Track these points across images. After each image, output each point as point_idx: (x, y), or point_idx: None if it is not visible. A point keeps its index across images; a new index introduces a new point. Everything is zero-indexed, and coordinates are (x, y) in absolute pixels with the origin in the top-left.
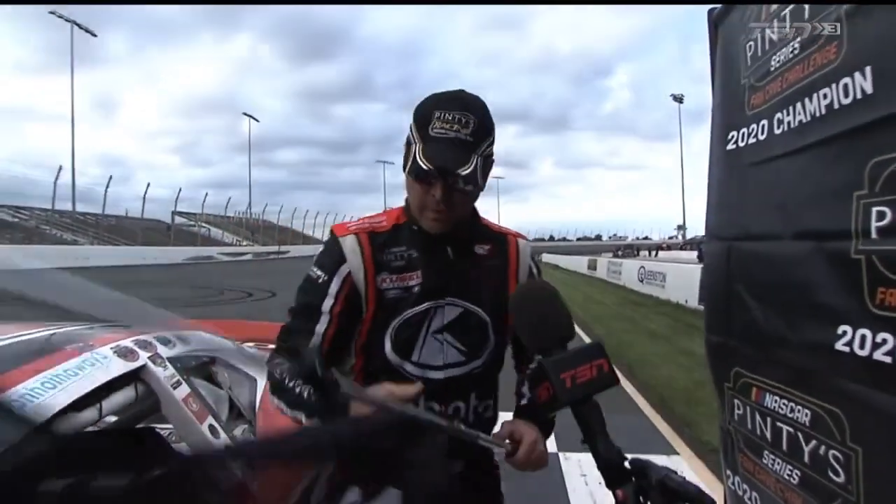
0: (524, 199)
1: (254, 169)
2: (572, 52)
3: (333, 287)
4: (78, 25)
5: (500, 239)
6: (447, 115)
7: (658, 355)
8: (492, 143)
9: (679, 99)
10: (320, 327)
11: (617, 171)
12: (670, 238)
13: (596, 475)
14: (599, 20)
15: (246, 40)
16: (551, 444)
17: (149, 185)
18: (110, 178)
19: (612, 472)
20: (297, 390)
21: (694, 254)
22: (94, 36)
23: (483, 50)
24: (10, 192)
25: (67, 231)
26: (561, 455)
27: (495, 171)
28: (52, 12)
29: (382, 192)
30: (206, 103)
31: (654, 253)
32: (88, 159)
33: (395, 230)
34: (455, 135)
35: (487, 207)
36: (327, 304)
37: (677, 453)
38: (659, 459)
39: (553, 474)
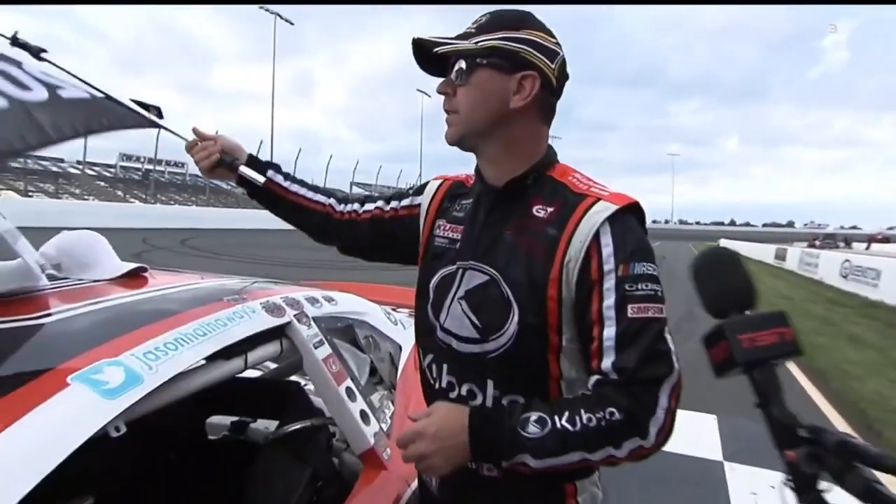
0: (703, 180)
1: (425, 143)
2: (772, 9)
3: (404, 201)
4: (280, 16)
5: (573, 202)
6: None
7: (862, 365)
8: (509, 39)
9: None
10: (370, 203)
11: (819, 148)
12: (889, 228)
13: (768, 495)
14: None
15: (422, 18)
16: (717, 453)
17: (331, 157)
18: (299, 150)
19: (785, 436)
20: None
21: None
22: (292, 24)
23: (662, 13)
24: None
25: None
26: (727, 465)
27: (670, 147)
28: (261, 6)
29: None
30: (383, 82)
31: (866, 245)
32: (286, 134)
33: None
34: (465, 31)
35: (656, 185)
36: (390, 199)
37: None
38: None
39: (716, 488)
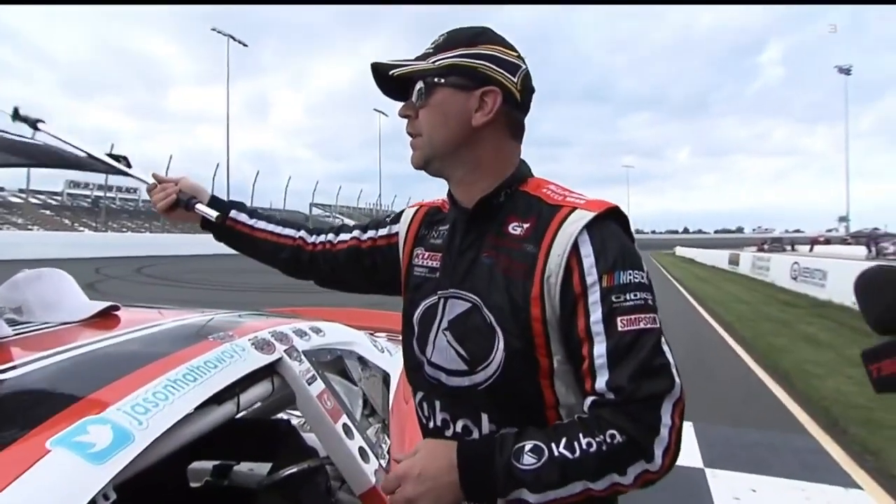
0: (657, 190)
1: (386, 162)
2: (714, 30)
3: (381, 230)
4: (233, 38)
5: (549, 214)
6: None
7: (821, 364)
8: (467, 55)
9: (846, 71)
10: (345, 234)
11: (763, 158)
12: (828, 231)
13: (751, 499)
14: None
15: (381, 41)
16: (696, 460)
17: (290, 178)
18: (257, 172)
19: None
20: None
21: (859, 249)
22: (245, 46)
23: (614, 34)
24: None
25: None
26: (708, 472)
27: (624, 160)
28: (213, 29)
29: None
30: (342, 102)
31: (809, 248)
32: (244, 156)
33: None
34: (423, 52)
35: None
36: (367, 229)
37: (859, 487)
38: (836, 492)
39: (699, 495)
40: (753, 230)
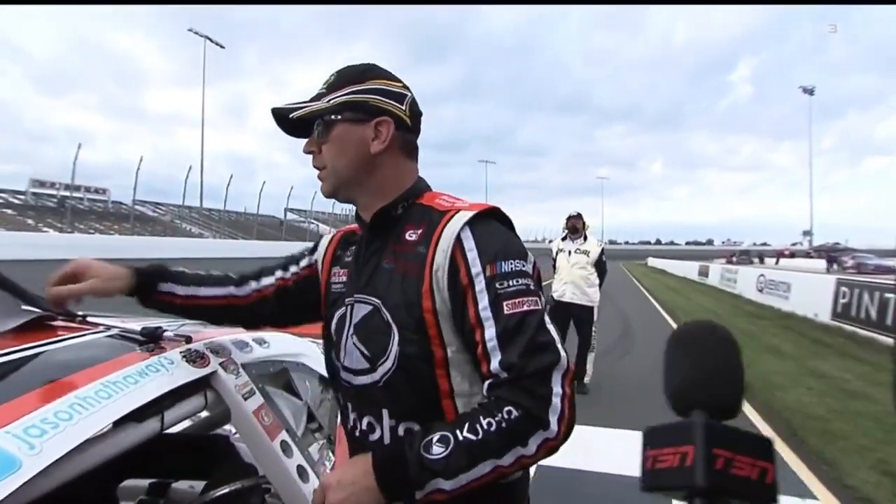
0: (631, 201)
1: None
2: (688, 47)
3: (303, 262)
4: (210, 39)
5: (437, 218)
6: None
7: (783, 375)
8: (357, 92)
9: (810, 91)
10: (267, 277)
11: (732, 172)
12: (793, 244)
13: None
14: (722, 11)
15: (362, 46)
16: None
17: (264, 182)
18: (231, 176)
19: None
20: None
21: (821, 263)
22: (223, 48)
23: (593, 47)
24: (156, 190)
25: (195, 225)
26: None
27: (599, 171)
28: (189, 29)
29: (485, 191)
30: None
31: (775, 260)
32: (220, 158)
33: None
34: (318, 93)
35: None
36: (288, 266)
37: (815, 497)
38: (792, 503)
39: None
40: (723, 242)
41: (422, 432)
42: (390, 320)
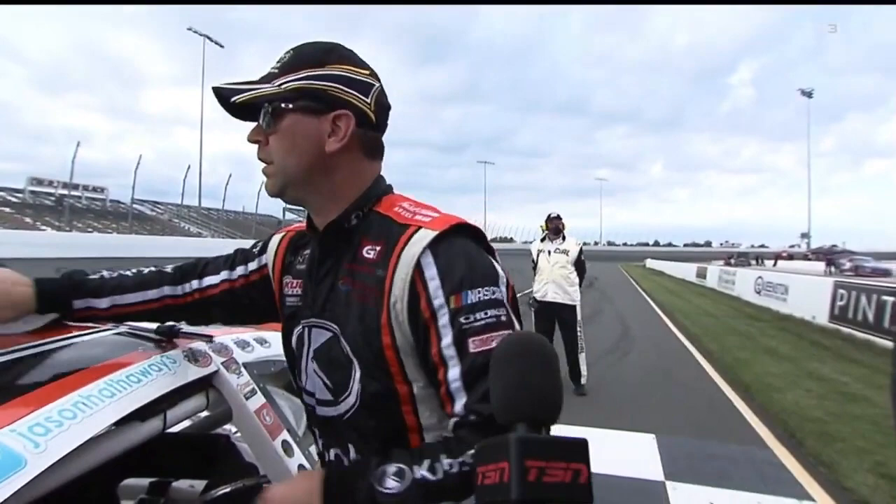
0: (630, 203)
1: None
2: (689, 50)
3: (251, 264)
4: (209, 38)
5: (397, 235)
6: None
7: (780, 377)
8: (317, 77)
9: (808, 94)
10: (212, 276)
11: (732, 174)
12: (791, 247)
13: None
14: (722, 14)
15: (361, 47)
16: (657, 473)
17: (263, 182)
18: (230, 175)
19: None
20: None
21: (820, 265)
22: (222, 47)
23: (594, 49)
24: (155, 189)
25: (194, 224)
26: (669, 484)
27: (599, 172)
28: (189, 28)
29: (483, 192)
30: None
31: (773, 263)
32: (220, 158)
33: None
34: (268, 72)
35: (587, 208)
36: (235, 265)
37: (812, 500)
38: None
39: None
40: (721, 244)
41: (378, 460)
42: (350, 353)
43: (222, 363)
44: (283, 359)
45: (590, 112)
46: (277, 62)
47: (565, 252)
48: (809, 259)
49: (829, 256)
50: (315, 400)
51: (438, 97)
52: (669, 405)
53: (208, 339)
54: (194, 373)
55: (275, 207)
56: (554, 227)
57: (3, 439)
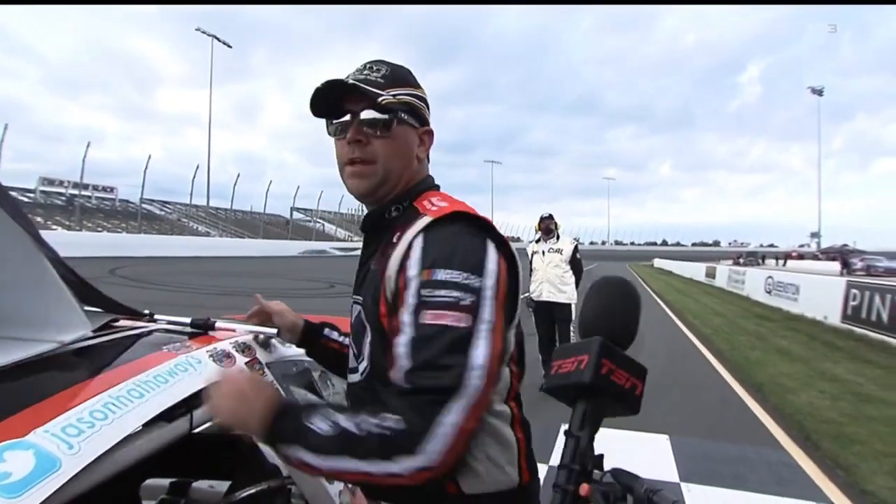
0: (638, 202)
1: None
2: (698, 49)
3: None
4: (217, 39)
5: (415, 222)
6: (360, 65)
7: (794, 378)
8: (415, 96)
9: (819, 92)
10: None
11: (741, 174)
12: (801, 246)
13: None
14: (731, 14)
15: (372, 48)
16: (672, 474)
17: (271, 182)
18: (238, 175)
19: (583, 473)
20: None
21: (831, 265)
22: (230, 47)
23: (603, 50)
24: (165, 189)
25: (202, 224)
26: (684, 486)
27: (608, 172)
28: (197, 29)
29: (490, 191)
30: None
31: (782, 262)
32: (229, 158)
33: None
34: (365, 76)
35: (595, 208)
36: None
37: (830, 502)
38: None
39: None
40: (730, 244)
41: (323, 404)
42: (364, 320)
43: (246, 363)
44: (305, 359)
45: (599, 112)
46: (372, 72)
47: (559, 251)
48: (819, 258)
49: (846, 256)
50: (349, 369)
51: (447, 97)
52: (682, 405)
53: (232, 334)
54: (219, 373)
55: (282, 207)
56: (545, 228)
57: (38, 440)
